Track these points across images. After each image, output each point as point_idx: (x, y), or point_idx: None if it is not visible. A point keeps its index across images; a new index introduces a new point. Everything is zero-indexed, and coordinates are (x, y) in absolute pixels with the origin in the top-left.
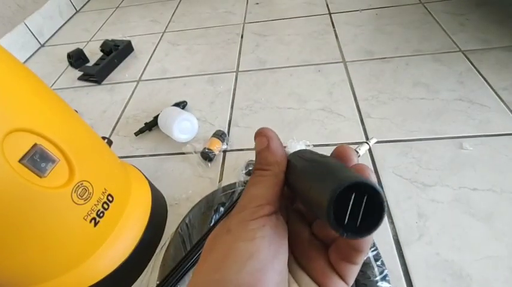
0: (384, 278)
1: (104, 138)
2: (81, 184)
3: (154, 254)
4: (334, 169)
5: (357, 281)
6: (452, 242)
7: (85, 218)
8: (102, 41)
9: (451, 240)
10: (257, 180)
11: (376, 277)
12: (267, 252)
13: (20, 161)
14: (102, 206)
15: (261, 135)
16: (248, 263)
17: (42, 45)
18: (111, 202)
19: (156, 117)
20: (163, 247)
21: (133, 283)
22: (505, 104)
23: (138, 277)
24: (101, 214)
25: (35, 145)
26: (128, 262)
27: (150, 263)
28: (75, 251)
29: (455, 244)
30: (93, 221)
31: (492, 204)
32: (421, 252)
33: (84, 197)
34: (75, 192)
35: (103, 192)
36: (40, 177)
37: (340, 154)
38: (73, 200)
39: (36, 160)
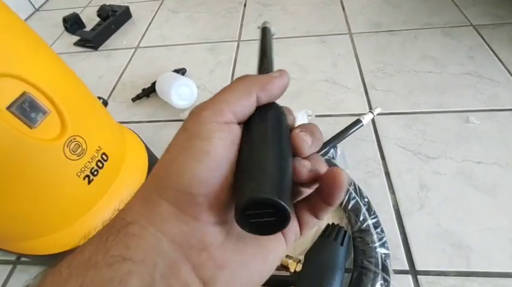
0: (382, 245)
1: (99, 98)
2: (73, 139)
3: None
4: (263, 169)
5: (355, 247)
6: (453, 214)
7: (78, 174)
8: (99, 6)
9: (453, 211)
10: (236, 87)
11: (374, 243)
12: (223, 152)
13: (7, 108)
14: (97, 165)
15: (285, 76)
16: (204, 159)
17: (37, 10)
18: (105, 161)
19: (154, 84)
20: None
21: None
22: None
23: None
24: (95, 172)
25: (24, 93)
26: None
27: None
28: (69, 208)
29: (457, 215)
30: (86, 178)
31: (496, 177)
32: (422, 222)
33: (77, 152)
34: (67, 146)
35: (97, 150)
36: (30, 127)
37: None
38: (65, 155)
39: (26, 109)
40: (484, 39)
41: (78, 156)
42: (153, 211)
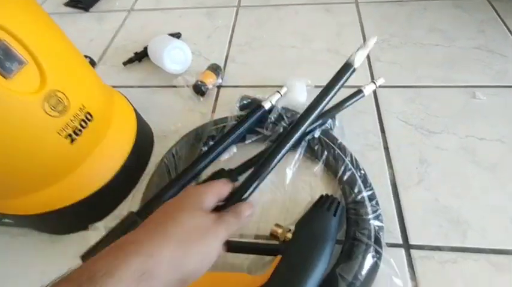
0: (376, 217)
1: (86, 57)
2: (54, 94)
3: (138, 183)
4: None
5: (348, 218)
6: (452, 190)
7: (60, 132)
8: None
9: (452, 187)
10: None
11: (368, 215)
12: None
13: None
14: (80, 124)
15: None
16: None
17: None
18: (90, 120)
19: (146, 48)
20: (147, 175)
21: (114, 209)
22: None
23: (119, 203)
24: (79, 132)
25: None
26: (108, 187)
27: (132, 191)
28: (50, 166)
29: (456, 191)
30: (69, 137)
31: (499, 154)
32: (419, 197)
33: (58, 109)
34: (47, 101)
35: (80, 108)
36: (5, 78)
37: None
38: (45, 111)
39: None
40: (497, 13)
41: (59, 113)
42: None
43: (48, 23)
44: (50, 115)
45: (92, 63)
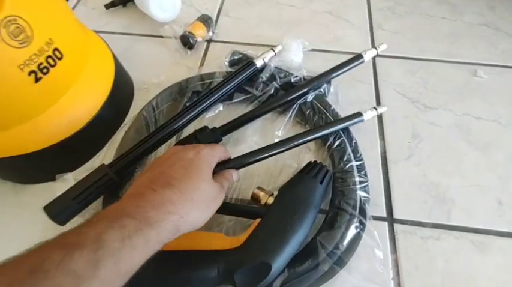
0: (363, 188)
1: None
2: (13, 20)
3: (114, 135)
4: None
5: (334, 187)
6: (442, 167)
7: (21, 67)
8: None
9: (442, 164)
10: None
11: (355, 185)
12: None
13: None
14: (46, 61)
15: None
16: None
17: None
18: (59, 59)
19: None
20: (124, 129)
21: (86, 161)
22: None
23: (92, 155)
24: (44, 70)
25: None
26: (79, 136)
27: (107, 144)
28: (11, 106)
29: (446, 168)
30: (32, 74)
31: (493, 135)
32: (407, 171)
33: (19, 38)
34: (5, 27)
35: (47, 42)
36: None
37: None
38: (2, 38)
39: None
40: None
41: (20, 44)
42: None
43: None
44: (8, 44)
45: None
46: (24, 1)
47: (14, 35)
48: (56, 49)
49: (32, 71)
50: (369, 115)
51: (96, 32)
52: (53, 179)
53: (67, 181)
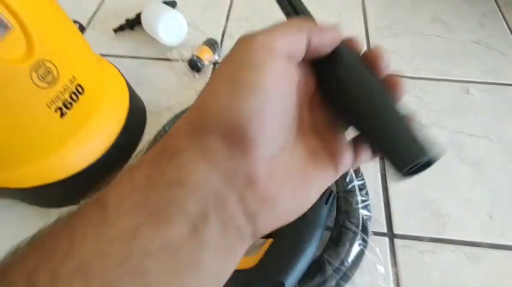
0: (365, 207)
1: (74, 22)
2: (42, 63)
3: (130, 159)
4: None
5: (339, 207)
6: (437, 183)
7: (49, 105)
8: None
9: (437, 181)
10: (285, 23)
11: (358, 204)
12: (277, 87)
13: None
14: (70, 97)
15: (339, 31)
16: (255, 91)
17: None
18: (80, 93)
19: (139, 15)
20: (139, 153)
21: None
22: None
23: (111, 179)
24: (69, 105)
25: None
26: (99, 163)
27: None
28: (39, 140)
29: (440, 184)
30: (59, 111)
31: (485, 151)
32: (406, 188)
33: (47, 80)
34: (35, 71)
35: (71, 80)
36: None
37: (373, 61)
38: (33, 81)
39: None
40: (499, 7)
41: (48, 84)
42: (202, 142)
43: None
44: (38, 86)
45: (81, 28)
46: (51, 44)
47: (43, 77)
48: (78, 85)
49: (59, 108)
50: None
51: (106, 55)
52: (76, 202)
53: None
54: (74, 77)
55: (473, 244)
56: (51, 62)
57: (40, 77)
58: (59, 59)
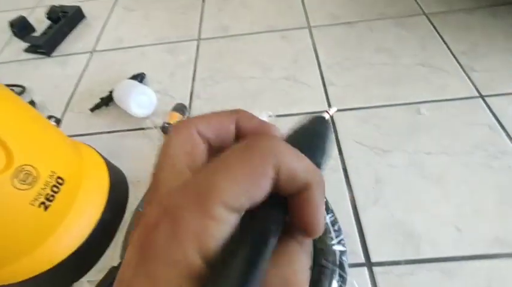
0: (339, 242)
1: (50, 117)
2: (22, 169)
3: (118, 232)
4: None
5: (314, 246)
6: (405, 205)
7: (32, 203)
8: (48, 7)
9: (405, 203)
10: (242, 165)
11: (332, 240)
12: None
13: None
14: (52, 190)
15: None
16: None
17: None
18: (61, 184)
19: (112, 92)
20: (125, 225)
21: (95, 264)
22: (462, 68)
23: (100, 257)
24: (51, 198)
25: None
26: (87, 244)
27: (114, 242)
28: (27, 236)
29: (408, 206)
30: (42, 205)
31: (444, 167)
32: (377, 215)
33: (27, 182)
34: (15, 178)
35: (50, 175)
36: None
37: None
38: (14, 186)
39: None
40: (435, 28)
41: (29, 185)
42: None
43: (9, 99)
44: (20, 189)
45: (57, 121)
46: (28, 149)
47: (23, 180)
48: (58, 177)
49: (42, 203)
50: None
51: (86, 134)
52: (70, 285)
53: (83, 284)
54: (53, 172)
55: (447, 260)
56: (30, 165)
57: (21, 181)
58: (38, 160)
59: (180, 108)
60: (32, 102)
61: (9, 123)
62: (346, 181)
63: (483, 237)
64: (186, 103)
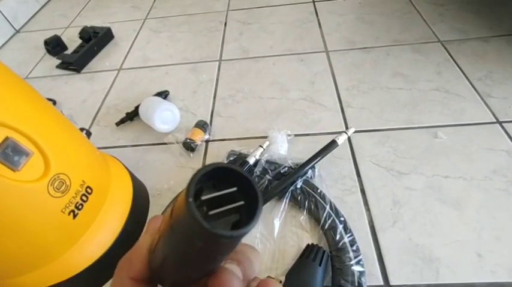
0: (358, 263)
1: (82, 129)
2: (57, 177)
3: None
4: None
5: (333, 266)
6: (423, 228)
7: (63, 210)
8: (80, 28)
9: (423, 226)
10: None
11: (351, 261)
12: None
13: None
14: (81, 199)
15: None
16: None
17: (18, 31)
18: (90, 194)
19: (137, 107)
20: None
21: (112, 275)
22: (478, 94)
23: None
24: (80, 206)
25: (7, 138)
26: (109, 253)
27: None
28: (55, 243)
29: (427, 229)
30: (71, 213)
31: (462, 191)
32: (395, 237)
33: (61, 189)
34: (51, 185)
35: (81, 184)
36: (14, 171)
37: None
38: (50, 194)
39: (9, 154)
40: (450, 55)
41: (62, 193)
42: None
43: (47, 109)
44: (54, 197)
45: (88, 134)
46: (64, 159)
47: (57, 188)
48: (88, 187)
49: (71, 211)
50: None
51: (111, 147)
52: None
53: None
54: (84, 181)
55: (467, 286)
56: (64, 174)
57: (55, 188)
58: (71, 169)
59: (202, 125)
60: None
61: (48, 133)
62: (364, 202)
63: (505, 264)
64: (207, 120)
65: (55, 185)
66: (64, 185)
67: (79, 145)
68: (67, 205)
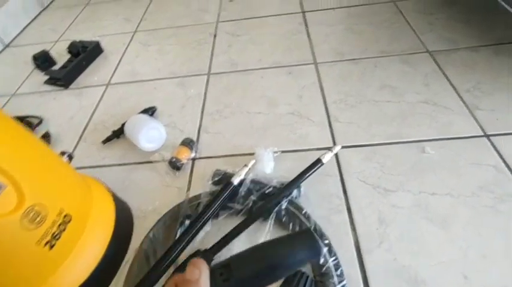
0: None
1: (63, 153)
2: (32, 208)
3: (119, 270)
4: None
5: None
6: (410, 248)
7: (38, 242)
8: (70, 42)
9: (409, 245)
10: None
11: (334, 286)
12: None
13: None
14: (58, 228)
15: (194, 266)
16: None
17: (7, 46)
18: (68, 222)
19: (123, 125)
20: (127, 262)
21: None
22: (466, 106)
23: None
24: (57, 236)
25: None
26: (90, 280)
27: (114, 280)
28: (31, 275)
29: (413, 249)
30: (48, 244)
31: (449, 208)
32: (381, 259)
33: (36, 221)
34: (25, 217)
35: (59, 213)
36: None
37: None
38: (23, 226)
39: None
40: (438, 66)
41: (37, 224)
42: None
43: (24, 139)
44: (28, 229)
45: (70, 157)
46: (40, 189)
47: (32, 220)
48: (65, 215)
49: (47, 242)
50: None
51: (96, 166)
52: None
53: None
54: (62, 209)
55: None
56: (40, 204)
57: (29, 220)
58: (48, 199)
59: (188, 143)
60: (47, 134)
61: (22, 162)
62: (350, 221)
63: (490, 285)
64: (194, 137)
65: (29, 216)
66: (39, 217)
67: (57, 173)
68: (43, 236)
